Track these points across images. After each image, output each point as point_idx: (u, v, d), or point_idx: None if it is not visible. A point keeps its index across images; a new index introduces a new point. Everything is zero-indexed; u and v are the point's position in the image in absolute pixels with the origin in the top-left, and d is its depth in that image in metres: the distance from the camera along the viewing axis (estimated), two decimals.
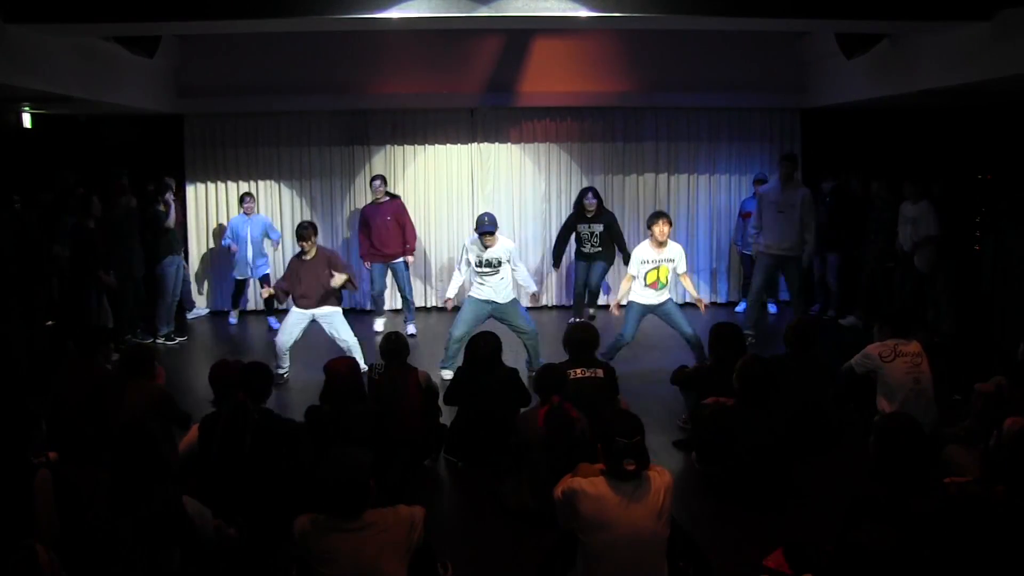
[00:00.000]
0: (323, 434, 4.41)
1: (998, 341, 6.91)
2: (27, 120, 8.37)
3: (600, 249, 8.40)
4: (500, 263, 6.69)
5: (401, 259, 8.44)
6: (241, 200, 8.87)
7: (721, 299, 10.02)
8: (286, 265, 7.36)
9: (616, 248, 8.48)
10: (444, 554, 3.61)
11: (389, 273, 8.58)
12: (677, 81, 9.33)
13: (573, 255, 8.84)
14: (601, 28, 8.75)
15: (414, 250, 8.61)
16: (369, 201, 8.63)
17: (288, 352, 6.73)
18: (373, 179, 8.56)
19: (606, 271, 8.60)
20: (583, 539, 3.19)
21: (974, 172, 8.90)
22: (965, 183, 8.70)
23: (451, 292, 6.98)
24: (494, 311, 6.72)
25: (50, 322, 7.26)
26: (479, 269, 6.68)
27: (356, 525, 2.99)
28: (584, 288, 8.64)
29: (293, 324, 6.72)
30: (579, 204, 8.48)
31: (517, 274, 6.84)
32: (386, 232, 8.29)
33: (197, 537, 3.30)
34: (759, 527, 4.19)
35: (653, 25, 7.47)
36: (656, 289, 6.70)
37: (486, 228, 6.59)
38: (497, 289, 6.68)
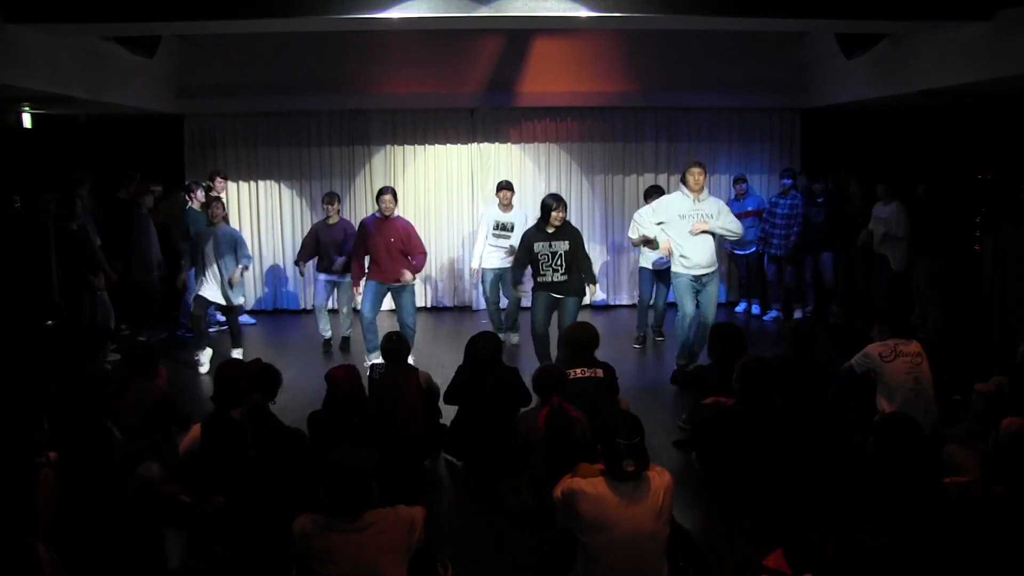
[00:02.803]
0: (325, 441, 4.40)
1: (998, 341, 6.90)
2: (27, 120, 8.37)
3: (567, 277, 6.48)
4: (513, 227, 7.67)
5: (402, 284, 7.08)
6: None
7: (720, 299, 9.98)
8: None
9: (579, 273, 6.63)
10: (444, 554, 3.61)
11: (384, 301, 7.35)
12: (677, 81, 9.33)
13: (529, 287, 6.87)
14: (601, 28, 8.74)
15: (420, 268, 7.27)
16: (373, 213, 7.31)
17: (325, 314, 7.97)
18: (383, 192, 7.17)
19: (579, 309, 6.67)
20: (583, 539, 3.19)
21: (974, 172, 8.90)
22: (964, 183, 8.71)
23: (475, 263, 8.03)
24: (502, 275, 7.74)
25: (50, 322, 7.26)
26: (495, 232, 7.75)
27: (356, 525, 3.00)
28: (547, 331, 6.60)
29: (320, 289, 7.96)
30: (542, 215, 6.52)
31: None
32: (387, 254, 7.04)
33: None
34: (759, 527, 4.19)
35: (653, 25, 7.47)
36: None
37: (505, 184, 7.88)
38: (502, 258, 7.70)
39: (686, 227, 6.47)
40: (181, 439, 4.45)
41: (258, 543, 3.92)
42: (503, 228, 7.80)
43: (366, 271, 7.14)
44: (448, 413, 5.32)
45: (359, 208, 9.66)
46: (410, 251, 7.08)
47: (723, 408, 4.71)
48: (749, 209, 8.95)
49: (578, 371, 5.00)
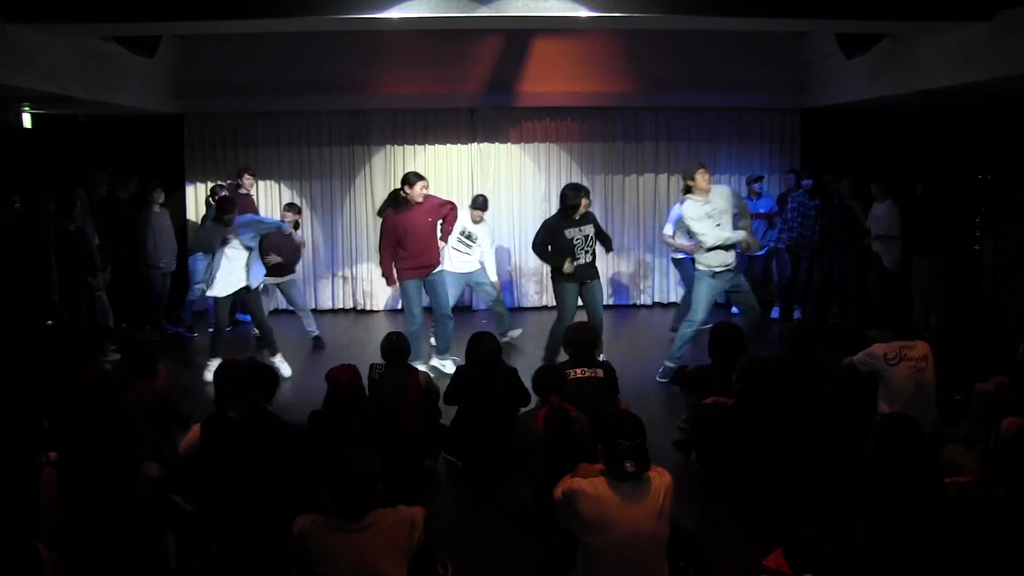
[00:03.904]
0: (326, 440, 4.41)
1: (998, 341, 6.91)
2: (27, 120, 8.37)
3: (592, 259, 6.73)
4: (477, 239, 7.83)
5: (438, 269, 7.00)
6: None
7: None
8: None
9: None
10: (444, 554, 3.61)
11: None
12: (677, 81, 9.33)
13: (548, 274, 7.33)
14: (601, 28, 8.75)
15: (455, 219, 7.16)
16: (400, 207, 6.82)
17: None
18: (410, 178, 6.74)
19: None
20: (583, 539, 3.19)
21: (974, 172, 8.90)
22: (964, 183, 8.71)
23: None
24: (468, 279, 7.94)
25: (50, 322, 7.25)
26: (460, 238, 7.70)
27: (357, 525, 3.00)
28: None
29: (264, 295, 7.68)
30: (570, 205, 6.62)
31: (486, 258, 7.99)
32: (424, 237, 6.85)
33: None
34: (759, 527, 4.19)
35: (653, 25, 7.47)
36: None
37: (480, 204, 7.92)
38: (469, 263, 7.84)
39: (712, 224, 6.44)
40: (181, 439, 4.45)
41: (256, 542, 3.92)
42: (468, 238, 7.82)
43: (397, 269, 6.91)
44: (448, 413, 5.33)
45: (359, 208, 9.67)
46: (441, 215, 6.96)
47: (723, 408, 4.71)
48: (761, 211, 8.94)
49: (578, 371, 5.00)
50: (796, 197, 8.86)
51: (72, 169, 8.17)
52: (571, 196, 6.62)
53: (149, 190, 8.37)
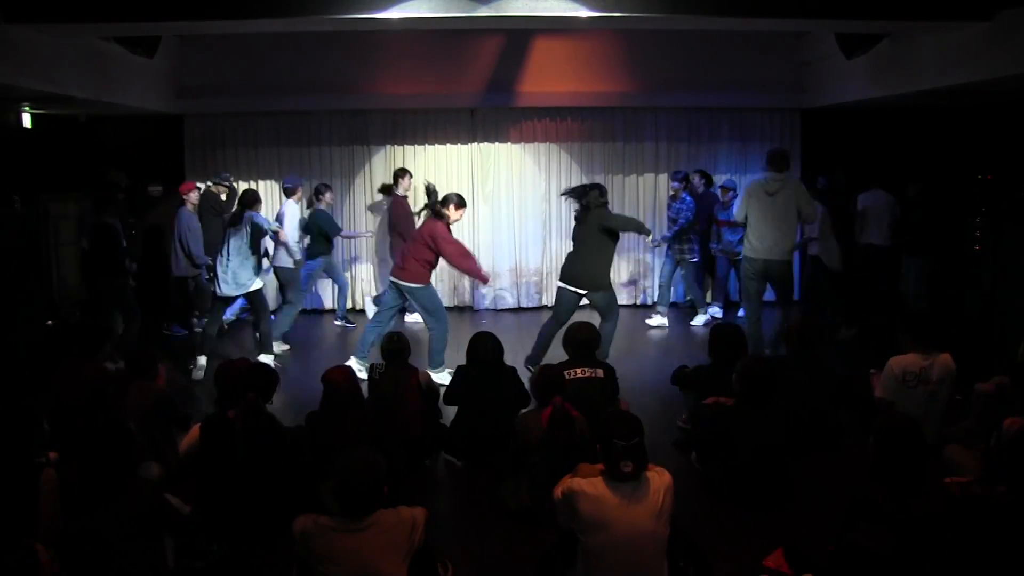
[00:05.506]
0: (323, 441, 4.41)
1: (998, 341, 6.91)
2: (27, 120, 8.37)
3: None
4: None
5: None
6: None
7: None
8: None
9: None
10: (444, 554, 3.61)
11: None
12: (677, 81, 9.33)
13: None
14: (601, 28, 8.75)
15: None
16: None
17: None
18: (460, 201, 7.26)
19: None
20: (583, 539, 3.19)
21: (974, 172, 8.91)
22: (964, 183, 8.71)
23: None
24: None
25: (50, 322, 7.25)
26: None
27: (358, 526, 3.00)
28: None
29: None
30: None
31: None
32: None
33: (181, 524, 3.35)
34: (759, 527, 4.19)
35: (653, 25, 7.48)
36: None
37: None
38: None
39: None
40: (181, 439, 4.45)
41: (256, 542, 3.92)
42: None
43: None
44: (448, 413, 5.32)
45: (359, 207, 9.67)
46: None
47: (723, 408, 4.71)
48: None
49: (578, 371, 5.00)
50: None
51: (71, 169, 8.18)
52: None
53: (185, 190, 8.19)
